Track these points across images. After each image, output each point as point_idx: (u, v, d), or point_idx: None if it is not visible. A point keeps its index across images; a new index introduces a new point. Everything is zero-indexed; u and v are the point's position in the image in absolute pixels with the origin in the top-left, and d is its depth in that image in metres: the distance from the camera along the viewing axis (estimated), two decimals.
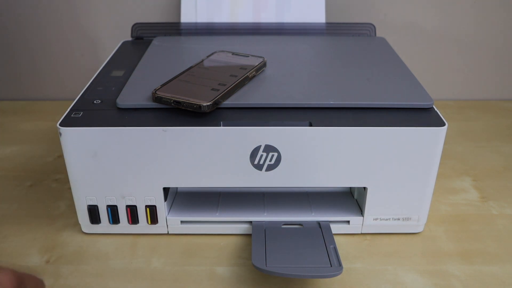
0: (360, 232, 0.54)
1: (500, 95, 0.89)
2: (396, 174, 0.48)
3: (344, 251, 0.51)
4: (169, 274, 0.48)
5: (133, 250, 0.52)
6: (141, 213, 0.51)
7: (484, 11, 0.82)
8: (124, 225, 0.52)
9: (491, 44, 0.85)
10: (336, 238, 0.51)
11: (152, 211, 0.51)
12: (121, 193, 0.50)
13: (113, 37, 0.84)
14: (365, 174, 0.49)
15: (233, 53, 0.58)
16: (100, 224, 0.52)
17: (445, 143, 0.48)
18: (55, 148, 0.72)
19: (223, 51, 0.58)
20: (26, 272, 0.37)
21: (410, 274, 0.48)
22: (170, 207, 0.54)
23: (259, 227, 0.51)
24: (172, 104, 0.47)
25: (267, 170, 0.48)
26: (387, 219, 0.52)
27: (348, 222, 0.53)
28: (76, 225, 0.54)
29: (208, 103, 0.46)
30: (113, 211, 0.51)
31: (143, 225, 0.52)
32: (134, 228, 0.53)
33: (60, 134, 0.46)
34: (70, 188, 0.51)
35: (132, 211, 0.51)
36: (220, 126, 0.46)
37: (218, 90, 0.48)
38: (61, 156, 0.48)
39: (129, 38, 0.72)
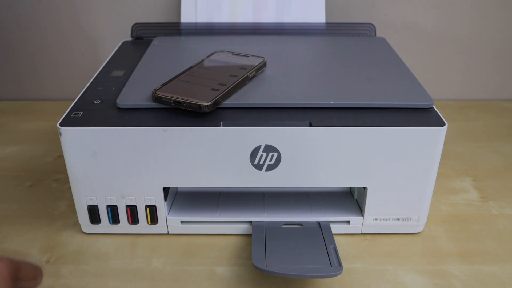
0: (360, 232, 0.54)
1: (500, 95, 0.89)
2: (396, 174, 0.48)
3: (344, 251, 0.51)
4: (169, 274, 0.48)
5: (133, 250, 0.52)
6: (141, 213, 0.51)
7: (484, 11, 0.82)
8: (124, 225, 0.52)
9: (491, 44, 0.85)
10: (336, 238, 0.51)
11: (152, 211, 0.51)
12: (121, 193, 0.50)
13: (113, 37, 0.84)
14: (365, 174, 0.49)
15: (233, 53, 0.58)
16: (100, 224, 0.52)
17: (445, 143, 0.48)
18: (55, 148, 0.72)
19: (223, 51, 0.58)
20: (24, 260, 0.36)
21: (410, 274, 0.48)
22: (170, 207, 0.54)
23: (259, 227, 0.51)
24: (172, 104, 0.47)
25: (267, 170, 0.48)
26: (387, 219, 0.52)
27: (348, 222, 0.53)
28: (76, 225, 0.54)
29: (208, 103, 0.46)
30: (113, 211, 0.51)
31: (143, 225, 0.52)
32: (134, 228, 0.53)
33: (60, 134, 0.46)
34: (70, 188, 0.51)
35: (132, 211, 0.51)
36: (220, 126, 0.46)
37: (218, 90, 0.48)
38: (61, 156, 0.48)
39: (129, 38, 0.72)
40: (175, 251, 0.51)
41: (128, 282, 0.47)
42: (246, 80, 0.51)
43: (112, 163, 0.48)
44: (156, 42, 0.66)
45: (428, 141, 0.47)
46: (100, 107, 0.49)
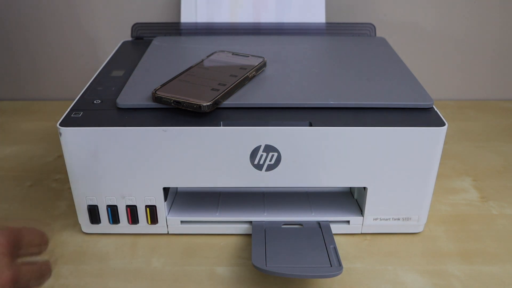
0: (360, 232, 0.54)
1: (500, 95, 0.89)
2: (396, 174, 0.48)
3: (344, 251, 0.51)
4: (169, 274, 0.48)
5: (133, 250, 0.52)
6: (141, 213, 0.51)
7: (484, 11, 0.82)
8: (124, 225, 0.52)
9: (491, 44, 0.85)
10: (336, 238, 0.51)
11: (152, 211, 0.51)
12: (121, 193, 0.50)
13: (113, 37, 0.84)
14: (365, 174, 0.49)
15: (233, 53, 0.58)
16: (100, 224, 0.52)
17: (445, 143, 0.48)
18: (55, 148, 0.72)
19: (223, 51, 0.58)
20: (26, 227, 0.35)
21: (410, 274, 0.48)
22: (170, 207, 0.54)
23: (259, 227, 0.51)
24: (172, 104, 0.47)
25: (267, 170, 0.48)
26: (387, 219, 0.52)
27: (348, 222, 0.53)
28: (76, 225, 0.54)
29: (208, 103, 0.46)
30: (113, 211, 0.51)
31: (143, 225, 0.52)
32: (134, 228, 0.53)
33: (60, 134, 0.46)
34: (70, 188, 0.51)
35: (132, 211, 0.51)
36: (220, 126, 0.46)
37: (218, 90, 0.48)
38: (61, 156, 0.48)
39: (129, 38, 0.72)
40: (175, 251, 0.51)
41: (128, 282, 0.47)
42: (246, 80, 0.51)
43: (112, 163, 0.48)
44: (156, 42, 0.66)
45: (428, 141, 0.47)
46: (100, 107, 0.49)
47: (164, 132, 0.46)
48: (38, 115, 0.83)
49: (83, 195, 0.50)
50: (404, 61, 0.59)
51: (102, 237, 0.53)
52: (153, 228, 0.53)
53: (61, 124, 0.46)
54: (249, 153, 0.47)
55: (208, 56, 0.57)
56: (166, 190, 0.51)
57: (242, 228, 0.53)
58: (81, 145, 0.47)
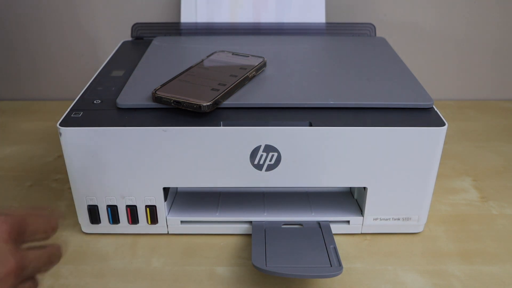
0: (360, 232, 0.53)
1: (500, 95, 0.89)
2: (396, 174, 0.48)
3: (344, 251, 0.51)
4: (169, 274, 0.48)
5: (133, 250, 0.52)
6: (141, 213, 0.51)
7: (484, 11, 0.82)
8: (124, 225, 0.52)
9: (491, 44, 0.85)
10: (336, 238, 0.51)
11: (152, 211, 0.51)
12: (121, 193, 0.50)
13: (113, 37, 0.84)
14: (365, 174, 0.49)
15: (233, 53, 0.58)
16: (100, 224, 0.52)
17: (445, 143, 0.48)
18: (55, 148, 0.72)
19: (223, 51, 0.58)
20: (33, 212, 0.35)
21: (410, 274, 0.48)
22: (170, 207, 0.54)
23: (259, 227, 0.51)
24: (172, 104, 0.47)
25: (267, 170, 0.48)
26: (387, 219, 0.52)
27: (348, 222, 0.53)
28: (76, 225, 0.54)
29: (208, 103, 0.46)
30: (113, 211, 0.51)
31: (143, 225, 0.52)
32: (134, 228, 0.53)
33: (60, 134, 0.46)
34: (70, 188, 0.51)
35: (132, 211, 0.51)
36: (220, 126, 0.46)
37: (218, 90, 0.48)
38: (61, 156, 0.48)
39: (129, 38, 0.72)
40: (175, 251, 0.51)
41: (128, 282, 0.47)
42: (246, 80, 0.51)
43: (112, 163, 0.48)
44: (156, 42, 0.66)
45: (428, 141, 0.47)
46: (100, 107, 0.49)
47: (164, 132, 0.46)
48: (38, 115, 0.83)
49: (83, 195, 0.50)
50: (404, 61, 0.59)
51: (102, 237, 0.53)
52: (153, 228, 0.53)
53: (61, 124, 0.46)
54: (249, 153, 0.47)
55: (208, 56, 0.57)
56: (166, 190, 0.51)
57: (242, 228, 0.53)
58: (81, 145, 0.47)
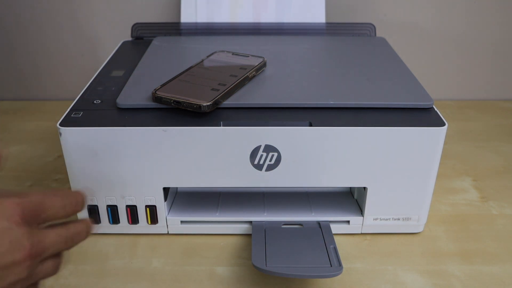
0: (360, 232, 0.53)
1: (500, 95, 0.89)
2: (396, 174, 0.48)
3: (344, 251, 0.51)
4: (169, 274, 0.48)
5: (133, 250, 0.52)
6: (141, 213, 0.51)
7: (484, 11, 0.82)
8: (124, 225, 0.52)
9: (490, 44, 0.85)
10: (336, 238, 0.51)
11: (152, 211, 0.51)
12: (121, 193, 0.50)
13: (113, 37, 0.84)
14: (365, 174, 0.49)
15: (233, 53, 0.58)
16: (100, 224, 0.52)
17: (445, 143, 0.48)
18: (55, 148, 0.72)
19: (223, 51, 0.58)
20: (54, 195, 0.34)
21: (410, 274, 0.48)
22: (170, 207, 0.54)
23: (259, 227, 0.51)
24: (172, 104, 0.47)
25: (267, 170, 0.48)
26: (387, 219, 0.52)
27: (348, 222, 0.53)
28: None
29: (208, 103, 0.46)
30: (113, 211, 0.51)
31: (143, 225, 0.52)
32: (134, 228, 0.53)
33: (60, 134, 0.46)
34: (70, 188, 0.51)
35: (132, 211, 0.51)
36: (220, 126, 0.46)
37: (218, 90, 0.48)
38: (61, 156, 0.48)
39: (129, 38, 0.72)
40: (175, 251, 0.51)
41: (128, 282, 0.47)
42: (246, 80, 0.51)
43: (112, 163, 0.48)
44: (156, 42, 0.66)
45: (428, 141, 0.47)
46: (100, 107, 0.49)
47: (164, 132, 0.46)
48: (38, 115, 0.83)
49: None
50: (404, 61, 0.59)
51: (102, 237, 0.53)
52: (153, 228, 0.53)
53: (61, 124, 0.46)
54: (249, 153, 0.47)
55: (208, 56, 0.57)
56: (166, 190, 0.51)
57: (242, 228, 0.53)
58: (81, 145, 0.47)
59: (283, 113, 0.47)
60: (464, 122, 0.80)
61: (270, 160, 0.48)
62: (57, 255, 0.35)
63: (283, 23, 0.72)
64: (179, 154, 0.47)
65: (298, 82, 0.52)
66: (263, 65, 0.55)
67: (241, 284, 0.47)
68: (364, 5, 0.81)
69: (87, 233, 0.37)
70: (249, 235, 0.53)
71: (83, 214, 0.51)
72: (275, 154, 0.47)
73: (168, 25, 0.72)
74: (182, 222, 0.53)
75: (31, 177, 0.64)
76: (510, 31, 0.83)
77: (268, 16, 0.72)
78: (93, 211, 0.51)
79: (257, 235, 0.50)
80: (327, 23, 0.72)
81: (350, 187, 0.57)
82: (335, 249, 0.48)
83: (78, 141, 0.47)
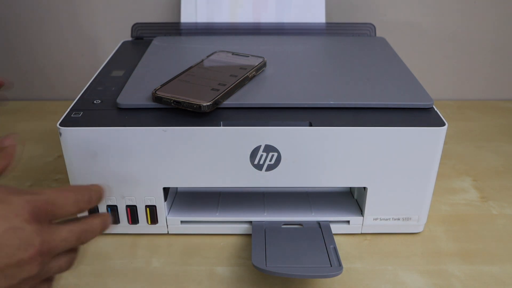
0: (360, 232, 0.53)
1: (500, 95, 0.89)
2: (396, 174, 0.48)
3: (344, 251, 0.51)
4: (169, 274, 0.48)
5: (133, 250, 0.52)
6: (141, 213, 0.51)
7: (484, 11, 0.82)
8: (124, 225, 0.52)
9: (491, 44, 0.85)
10: (336, 238, 0.51)
11: (152, 211, 0.51)
12: (121, 193, 0.50)
13: (113, 37, 0.84)
14: (365, 174, 0.49)
15: (233, 53, 0.58)
16: None
17: (445, 143, 0.48)
18: (55, 148, 0.72)
19: (223, 51, 0.58)
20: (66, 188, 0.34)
21: (410, 274, 0.48)
22: (170, 207, 0.54)
23: (259, 227, 0.51)
24: (172, 104, 0.47)
25: (267, 170, 0.48)
26: (387, 219, 0.52)
27: (348, 222, 0.53)
28: None
29: (208, 103, 0.46)
30: (113, 211, 0.51)
31: (143, 225, 0.52)
32: (134, 228, 0.53)
33: (60, 134, 0.46)
34: None
35: (132, 211, 0.51)
36: (220, 126, 0.46)
37: (218, 90, 0.48)
38: (61, 156, 0.48)
39: (129, 38, 0.72)
40: (175, 251, 0.51)
41: (128, 282, 0.47)
42: (246, 80, 0.51)
43: (112, 163, 0.48)
44: (156, 42, 0.66)
45: (428, 141, 0.47)
46: (100, 107, 0.49)
47: (164, 132, 0.46)
48: (38, 115, 0.83)
49: None
50: (404, 61, 0.59)
51: (102, 237, 0.53)
52: (153, 228, 0.53)
53: (61, 124, 0.46)
54: (249, 153, 0.47)
55: (208, 56, 0.57)
56: (166, 190, 0.51)
57: (242, 228, 0.53)
58: (81, 145, 0.47)
59: (283, 113, 0.47)
60: (464, 122, 0.80)
61: (270, 160, 0.48)
62: (71, 250, 0.35)
63: (283, 23, 0.72)
64: (179, 154, 0.47)
65: (298, 82, 0.52)
66: (263, 65, 0.55)
67: (241, 284, 0.47)
68: (364, 5, 0.81)
69: (103, 229, 0.37)
70: (249, 235, 0.53)
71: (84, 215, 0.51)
72: (275, 154, 0.47)
73: (168, 25, 0.72)
74: (182, 222, 0.53)
75: (31, 177, 0.64)
76: (510, 31, 0.83)
77: (268, 16, 0.72)
78: (93, 211, 0.51)
79: (257, 235, 0.50)
80: (327, 23, 0.72)
81: (350, 187, 0.57)
82: (335, 249, 0.48)
83: (78, 141, 0.47)
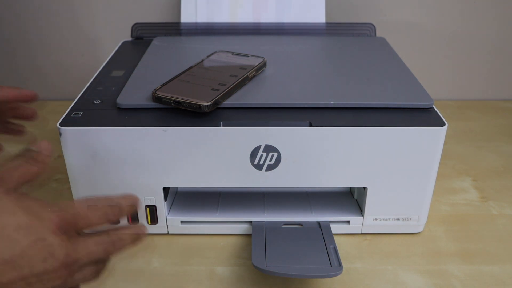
0: (360, 232, 0.53)
1: (500, 95, 0.89)
2: (396, 174, 0.48)
3: (344, 251, 0.51)
4: (169, 274, 0.48)
5: (133, 250, 0.51)
6: (141, 213, 0.51)
7: (484, 11, 0.82)
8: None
9: (491, 44, 0.85)
10: (336, 238, 0.51)
11: (152, 211, 0.51)
12: (121, 193, 0.50)
13: (113, 37, 0.84)
14: (365, 174, 0.49)
15: (233, 53, 0.58)
16: None
17: (445, 143, 0.48)
18: (55, 148, 0.71)
19: (223, 51, 0.58)
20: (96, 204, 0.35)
21: (410, 274, 0.48)
22: (170, 207, 0.54)
23: (259, 227, 0.51)
24: (172, 104, 0.47)
25: (267, 170, 0.48)
26: (387, 219, 0.52)
27: (348, 222, 0.53)
28: None
29: (208, 103, 0.46)
30: None
31: None
32: None
33: (60, 134, 0.46)
34: (70, 188, 0.51)
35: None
36: (220, 126, 0.46)
37: (218, 90, 0.48)
38: (61, 156, 0.48)
39: (129, 38, 0.72)
40: (175, 251, 0.51)
41: (128, 282, 0.47)
42: (246, 80, 0.51)
43: (112, 163, 0.48)
44: (156, 42, 0.66)
45: (428, 141, 0.47)
46: (100, 107, 0.49)
47: (164, 132, 0.46)
48: (38, 115, 0.83)
49: (83, 195, 0.50)
50: (404, 61, 0.59)
51: None
52: (153, 228, 0.53)
53: (61, 124, 0.46)
54: (249, 153, 0.47)
55: (208, 56, 0.57)
56: (166, 190, 0.51)
57: (242, 228, 0.53)
58: (81, 145, 0.47)
59: (283, 113, 0.47)
60: (464, 122, 0.80)
61: (270, 160, 0.48)
62: (99, 261, 0.35)
63: (283, 23, 0.72)
64: (179, 154, 0.47)
65: (298, 82, 0.52)
66: (263, 65, 0.55)
67: (241, 284, 0.47)
68: (364, 5, 0.81)
69: (135, 240, 0.37)
70: (249, 235, 0.53)
71: None
72: (275, 154, 0.47)
73: (168, 25, 0.72)
74: (182, 222, 0.53)
75: None
76: (510, 31, 0.83)
77: (268, 16, 0.72)
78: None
79: (257, 235, 0.50)
80: (327, 23, 0.72)
81: (350, 187, 0.57)
82: (335, 249, 0.48)
83: (78, 141, 0.47)
